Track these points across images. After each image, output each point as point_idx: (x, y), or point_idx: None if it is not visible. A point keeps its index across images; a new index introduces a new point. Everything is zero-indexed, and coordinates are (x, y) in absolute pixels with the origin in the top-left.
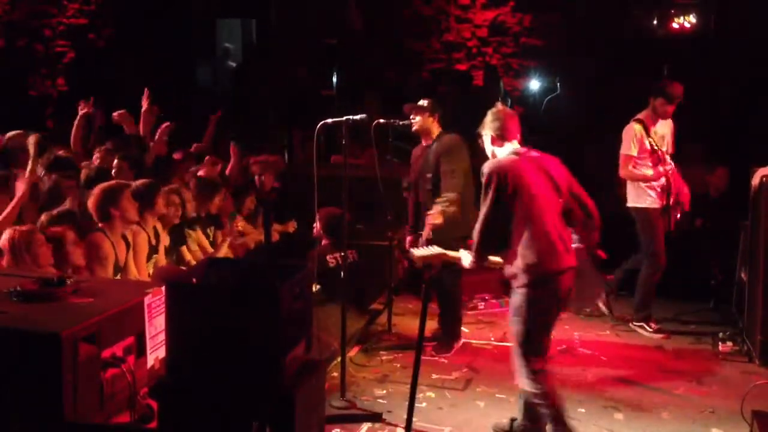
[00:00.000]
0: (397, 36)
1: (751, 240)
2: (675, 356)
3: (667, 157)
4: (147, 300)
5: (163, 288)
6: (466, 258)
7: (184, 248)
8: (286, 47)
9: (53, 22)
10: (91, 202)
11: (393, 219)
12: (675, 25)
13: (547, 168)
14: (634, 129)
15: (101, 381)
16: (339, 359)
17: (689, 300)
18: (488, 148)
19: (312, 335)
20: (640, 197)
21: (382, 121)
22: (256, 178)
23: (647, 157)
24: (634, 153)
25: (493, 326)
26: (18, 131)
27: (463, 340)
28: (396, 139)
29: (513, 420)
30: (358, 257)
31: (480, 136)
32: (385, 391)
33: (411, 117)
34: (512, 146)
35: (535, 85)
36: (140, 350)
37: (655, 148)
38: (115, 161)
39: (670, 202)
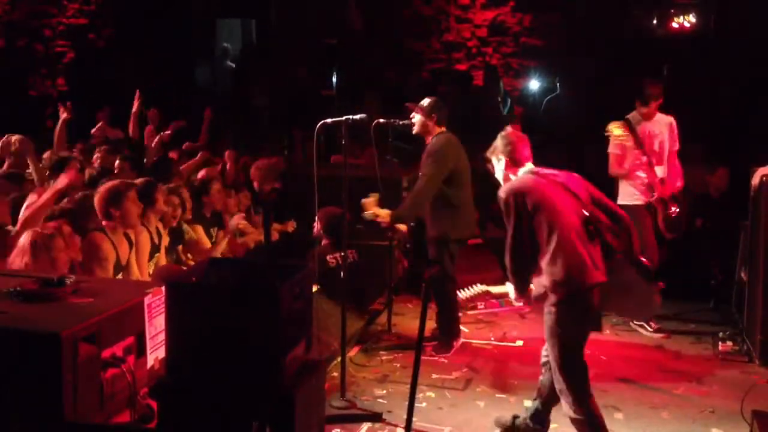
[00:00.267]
0: (397, 36)
1: (751, 240)
2: (675, 356)
3: (663, 156)
4: (147, 300)
5: (163, 288)
6: (512, 291)
7: (181, 247)
8: (286, 47)
9: (53, 22)
10: (96, 201)
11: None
12: (675, 25)
13: (566, 183)
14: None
15: (101, 381)
16: (339, 359)
17: (689, 300)
18: (500, 173)
19: (312, 335)
20: (627, 194)
21: (382, 120)
22: (255, 184)
23: (636, 154)
24: (617, 151)
25: (493, 326)
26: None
27: (462, 340)
28: (396, 138)
29: (515, 417)
30: (358, 257)
31: (489, 160)
32: (385, 391)
33: (411, 116)
34: (527, 168)
35: (534, 85)
36: (140, 350)
37: (641, 146)
38: (117, 162)
39: (653, 198)
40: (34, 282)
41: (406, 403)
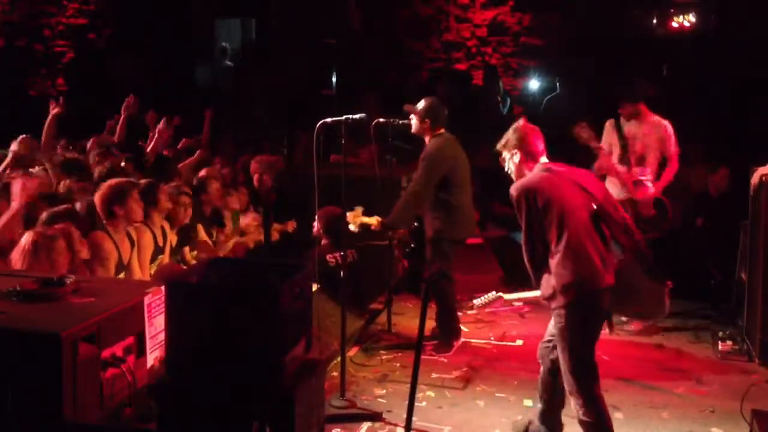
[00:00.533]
0: (397, 36)
1: (751, 240)
2: (675, 355)
3: (648, 158)
4: (147, 300)
5: (163, 288)
6: (529, 294)
7: (186, 249)
8: (286, 47)
9: (53, 21)
10: (97, 198)
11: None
12: (674, 25)
13: (579, 179)
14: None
15: (101, 381)
16: (339, 359)
17: (689, 300)
18: (513, 167)
19: (312, 335)
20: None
21: (381, 120)
22: (255, 177)
23: (618, 152)
24: (605, 146)
25: (493, 326)
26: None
27: (462, 340)
28: (396, 138)
29: (530, 422)
30: (357, 257)
31: (500, 154)
32: (384, 391)
33: (410, 116)
34: (542, 163)
35: (534, 84)
36: (140, 350)
37: (622, 145)
38: (122, 162)
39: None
40: (34, 282)
41: (406, 402)
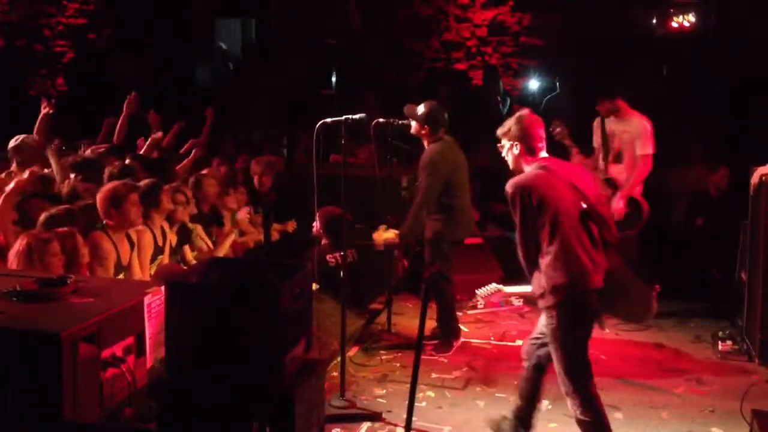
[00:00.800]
0: (397, 36)
1: (750, 239)
2: (675, 355)
3: (624, 156)
4: (147, 300)
5: (163, 288)
6: (527, 288)
7: (186, 247)
8: (286, 47)
9: (52, 22)
10: (98, 200)
11: (392, 218)
12: (674, 25)
13: (573, 178)
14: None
15: (101, 381)
16: (339, 359)
17: (689, 300)
18: (511, 158)
19: (312, 335)
20: None
21: (381, 120)
22: (256, 178)
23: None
24: (594, 144)
25: (493, 326)
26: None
27: (462, 340)
28: (395, 138)
29: (504, 418)
30: (357, 257)
31: (499, 140)
32: (384, 391)
33: (409, 119)
34: (540, 159)
35: (534, 84)
36: (140, 350)
37: (603, 142)
38: (127, 161)
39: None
40: (34, 282)
41: (406, 402)
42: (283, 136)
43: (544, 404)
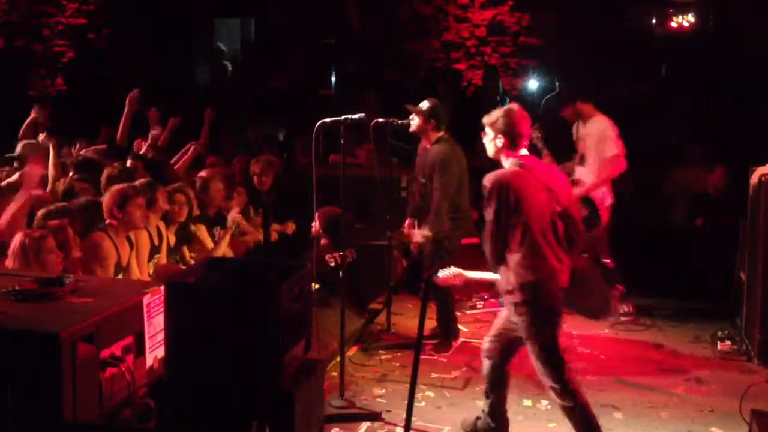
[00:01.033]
0: (396, 35)
1: (750, 239)
2: (674, 355)
3: (590, 157)
4: (146, 300)
5: (163, 288)
6: (488, 275)
7: (185, 247)
8: (286, 47)
9: (52, 21)
10: (104, 199)
11: (392, 218)
12: (673, 25)
13: (547, 179)
14: None
15: (100, 381)
16: (338, 359)
17: (689, 299)
18: (493, 148)
19: (311, 335)
20: None
21: (380, 120)
22: (255, 177)
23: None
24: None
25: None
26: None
27: (462, 340)
28: (395, 138)
29: (478, 418)
30: (357, 257)
31: (483, 128)
32: (384, 391)
33: (410, 117)
34: (519, 156)
35: (533, 84)
36: (139, 350)
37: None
38: (129, 161)
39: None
40: (33, 282)
41: (406, 402)
42: (282, 137)
43: (544, 404)
